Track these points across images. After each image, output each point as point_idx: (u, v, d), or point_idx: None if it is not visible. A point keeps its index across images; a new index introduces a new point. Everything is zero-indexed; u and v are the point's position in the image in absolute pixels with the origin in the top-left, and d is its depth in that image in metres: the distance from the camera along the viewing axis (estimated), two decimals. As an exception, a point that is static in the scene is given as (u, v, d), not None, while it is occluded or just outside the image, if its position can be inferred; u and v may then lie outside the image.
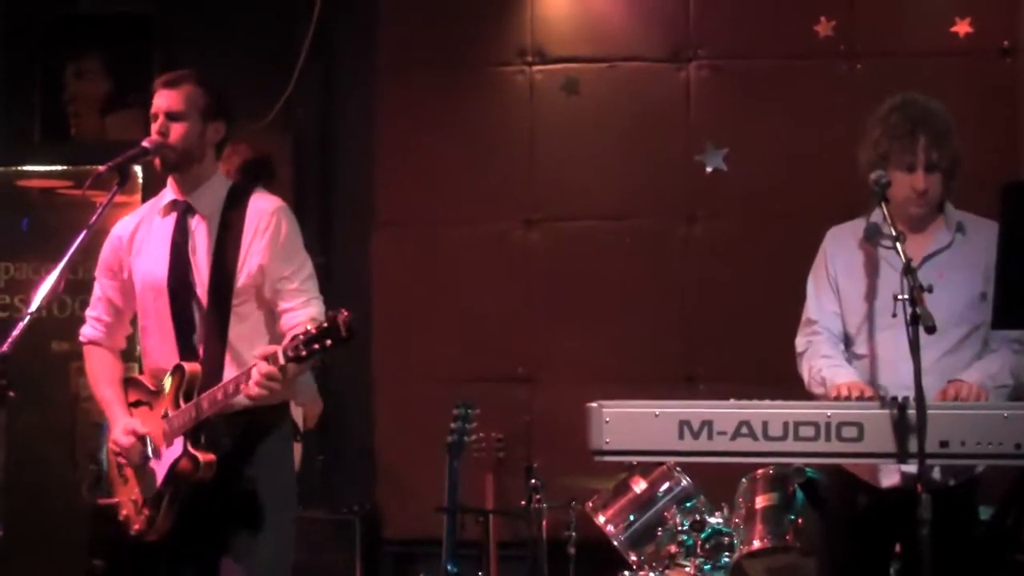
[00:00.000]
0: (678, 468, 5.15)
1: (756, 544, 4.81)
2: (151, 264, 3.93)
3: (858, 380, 3.81)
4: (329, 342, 3.40)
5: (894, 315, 3.59)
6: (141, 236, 3.99)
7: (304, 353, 3.45)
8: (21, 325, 3.57)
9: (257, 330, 3.87)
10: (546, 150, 6.37)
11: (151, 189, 4.35)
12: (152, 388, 3.92)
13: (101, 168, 3.81)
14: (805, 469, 4.43)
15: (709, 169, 6.25)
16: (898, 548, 3.88)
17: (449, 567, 5.37)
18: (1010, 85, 6.10)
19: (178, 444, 3.77)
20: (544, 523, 5.46)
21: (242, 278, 3.84)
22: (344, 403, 6.36)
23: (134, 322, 4.10)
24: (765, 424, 3.49)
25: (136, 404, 3.97)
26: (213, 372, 3.78)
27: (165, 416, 3.81)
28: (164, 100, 3.90)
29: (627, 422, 3.50)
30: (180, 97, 3.88)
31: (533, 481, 5.47)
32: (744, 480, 5.00)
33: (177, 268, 3.88)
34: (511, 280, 6.34)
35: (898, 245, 3.57)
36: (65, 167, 6.60)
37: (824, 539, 4.24)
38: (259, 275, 3.85)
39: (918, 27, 6.18)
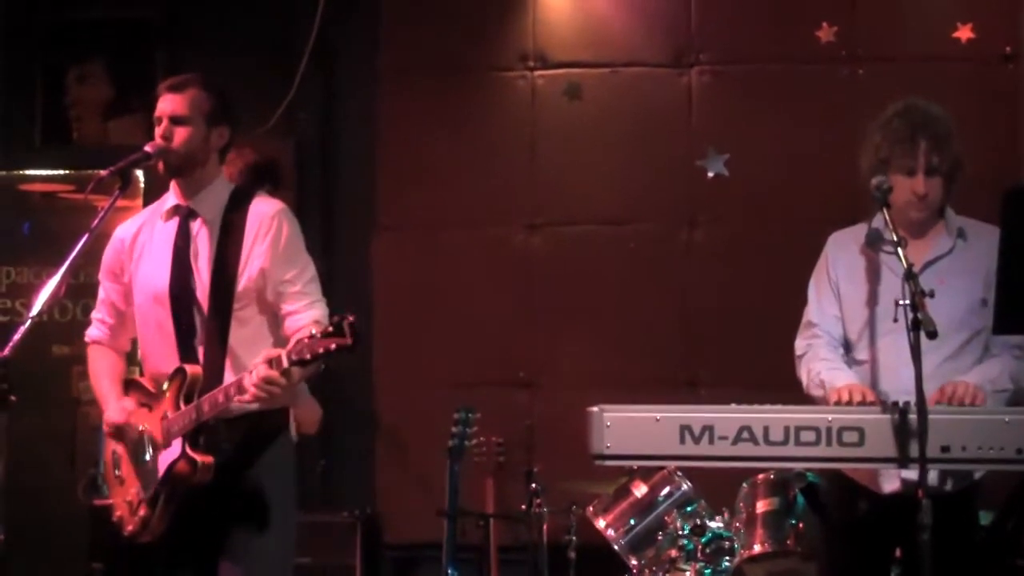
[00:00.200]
0: (679, 472, 5.15)
1: (757, 548, 4.81)
2: (153, 270, 3.93)
3: (857, 383, 3.81)
4: (334, 346, 3.40)
5: (895, 320, 3.59)
6: (143, 241, 3.99)
7: (308, 357, 3.45)
8: (22, 329, 3.58)
9: (258, 334, 3.87)
10: (548, 155, 6.37)
11: (153, 193, 4.35)
12: (152, 390, 3.91)
13: (103, 172, 3.82)
14: (806, 474, 4.44)
15: (711, 174, 6.26)
16: (898, 553, 3.88)
17: (450, 571, 5.37)
18: (1011, 91, 6.10)
19: (176, 446, 3.77)
20: (545, 527, 5.46)
21: (243, 282, 3.84)
22: (345, 407, 6.36)
23: (138, 325, 4.10)
24: (766, 429, 3.49)
25: (136, 406, 3.97)
26: (214, 376, 3.78)
27: (164, 417, 3.81)
28: (168, 104, 3.90)
29: (628, 426, 3.50)
30: (184, 101, 3.88)
31: (534, 485, 5.47)
32: (745, 485, 5.00)
33: (178, 274, 3.88)
34: (512, 284, 6.34)
35: (899, 250, 3.57)
36: (67, 171, 6.61)
37: (825, 544, 4.24)
38: (260, 279, 3.85)
39: (920, 32, 6.18)
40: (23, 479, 5.99)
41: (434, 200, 6.40)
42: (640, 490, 5.19)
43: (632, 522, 5.14)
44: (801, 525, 4.79)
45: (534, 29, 6.40)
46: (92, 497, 5.41)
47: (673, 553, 4.98)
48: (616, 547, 5.12)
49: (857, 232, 4.04)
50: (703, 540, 4.94)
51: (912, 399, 3.40)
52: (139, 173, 4.55)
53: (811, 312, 4.05)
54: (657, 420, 3.51)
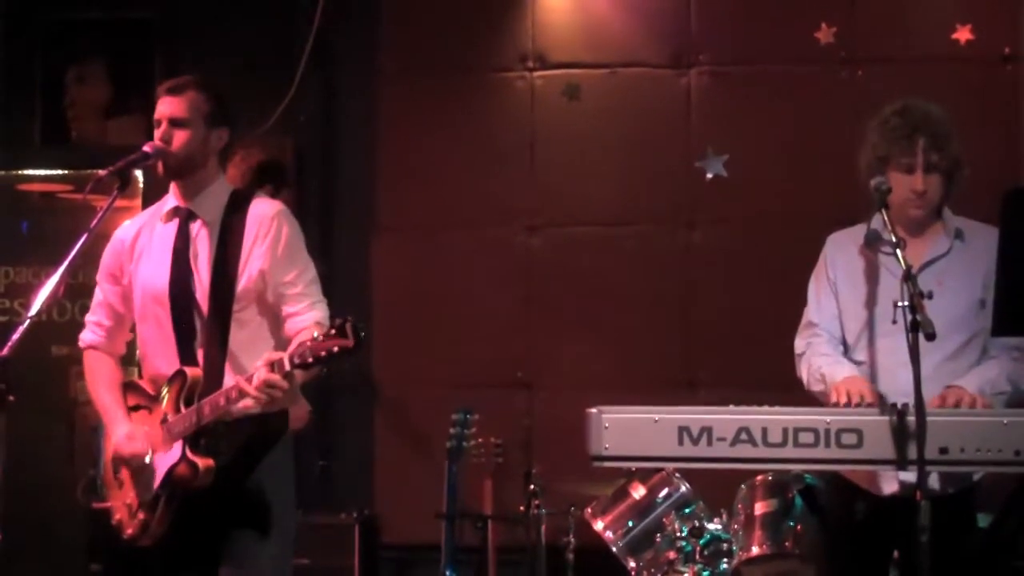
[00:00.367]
0: (677, 474, 5.14)
1: (755, 550, 4.80)
2: (152, 272, 3.92)
3: (858, 376, 3.81)
4: (336, 349, 3.40)
5: (894, 322, 3.59)
6: (143, 242, 3.99)
7: (311, 360, 3.44)
8: (21, 329, 3.57)
9: (258, 336, 3.86)
10: (547, 156, 6.37)
11: (152, 194, 4.36)
12: (151, 393, 3.91)
13: (102, 172, 3.81)
14: (804, 475, 4.44)
15: (710, 175, 6.26)
16: (896, 555, 3.87)
17: (448, 572, 5.37)
18: (1011, 92, 6.10)
19: (177, 449, 3.76)
20: (543, 529, 5.45)
21: (242, 283, 3.83)
22: (344, 408, 6.36)
23: (134, 328, 4.09)
24: (764, 430, 3.49)
25: (135, 408, 3.96)
26: (213, 379, 3.77)
27: (164, 421, 3.80)
28: (167, 107, 3.89)
29: (626, 428, 3.50)
30: (184, 104, 3.88)
31: (532, 487, 5.47)
32: (743, 486, 4.99)
33: (178, 276, 3.87)
34: (511, 285, 6.34)
35: (898, 252, 3.57)
36: (65, 171, 6.60)
37: (823, 546, 4.24)
38: (260, 280, 3.84)
39: (919, 34, 6.18)
40: (21, 480, 5.96)
41: (433, 200, 6.40)
42: (638, 492, 5.18)
43: (630, 524, 5.14)
44: (799, 527, 4.78)
45: (533, 30, 6.40)
46: (91, 499, 5.41)
47: (671, 555, 4.98)
48: (614, 549, 5.12)
49: (856, 233, 4.04)
50: (701, 542, 4.93)
51: (910, 400, 3.40)
52: (138, 173, 4.55)
53: (811, 312, 4.06)
54: (655, 421, 3.51)
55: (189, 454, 3.73)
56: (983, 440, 3.44)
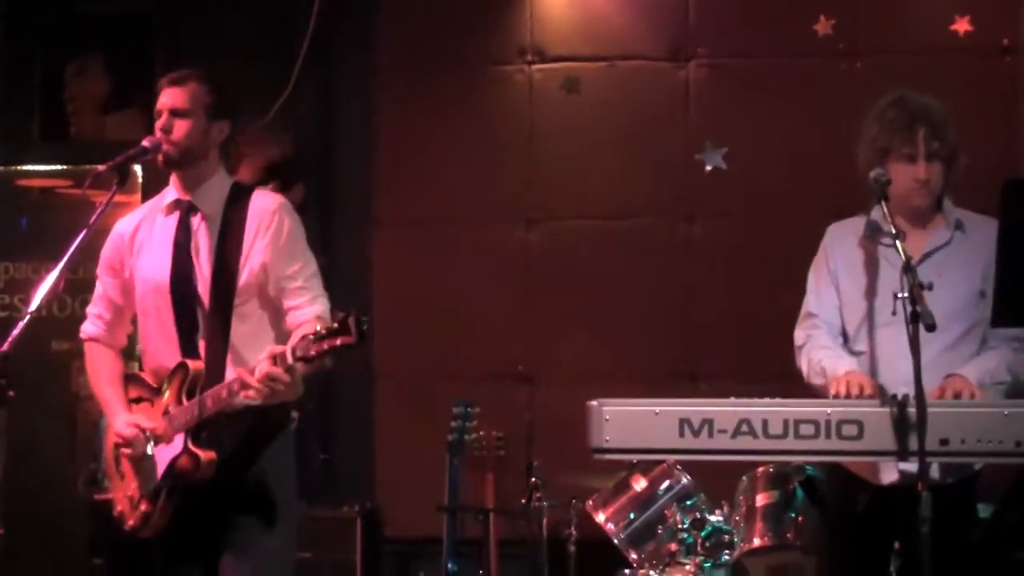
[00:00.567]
0: (678, 466, 5.15)
1: (756, 542, 4.81)
2: (153, 265, 3.92)
3: (858, 370, 3.81)
4: (339, 342, 3.39)
5: (894, 313, 3.59)
6: (143, 235, 3.98)
7: (313, 353, 3.44)
8: (21, 325, 3.57)
9: (260, 329, 3.86)
10: (545, 149, 6.37)
11: (151, 189, 4.35)
12: (153, 385, 3.91)
13: (101, 168, 3.82)
14: (805, 467, 4.44)
15: (708, 168, 6.26)
16: (897, 546, 3.88)
17: (449, 566, 5.38)
18: (1010, 83, 6.10)
19: (178, 441, 3.76)
20: (544, 521, 5.46)
21: (244, 277, 3.83)
22: (345, 402, 6.37)
23: (135, 321, 4.09)
24: (765, 422, 3.49)
25: (137, 400, 3.96)
26: (215, 372, 3.77)
27: (166, 413, 3.81)
28: (169, 98, 3.89)
29: (627, 420, 3.51)
30: (185, 95, 3.88)
31: (533, 479, 5.47)
32: (744, 478, 5.00)
33: (179, 269, 3.87)
34: (511, 279, 6.34)
35: (898, 243, 3.57)
36: (65, 166, 6.60)
37: (824, 537, 4.24)
38: (262, 274, 3.84)
39: (918, 25, 6.18)
40: (23, 474, 5.99)
41: (432, 195, 6.40)
42: (640, 484, 5.18)
43: (632, 516, 5.14)
44: (801, 518, 4.79)
45: (531, 23, 6.40)
46: (92, 492, 5.39)
47: (673, 547, 4.98)
48: (616, 541, 5.12)
49: (855, 224, 4.04)
50: (703, 534, 4.93)
51: (910, 391, 3.40)
52: (137, 168, 4.56)
53: (810, 303, 4.06)
54: (656, 414, 3.51)
55: (191, 446, 3.73)
56: (984, 431, 3.44)
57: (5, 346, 3.52)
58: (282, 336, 3.80)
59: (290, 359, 3.49)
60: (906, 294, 3.44)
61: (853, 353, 3.94)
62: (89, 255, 4.01)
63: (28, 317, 3.60)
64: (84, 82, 6.74)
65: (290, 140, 6.19)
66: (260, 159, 5.09)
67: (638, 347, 6.18)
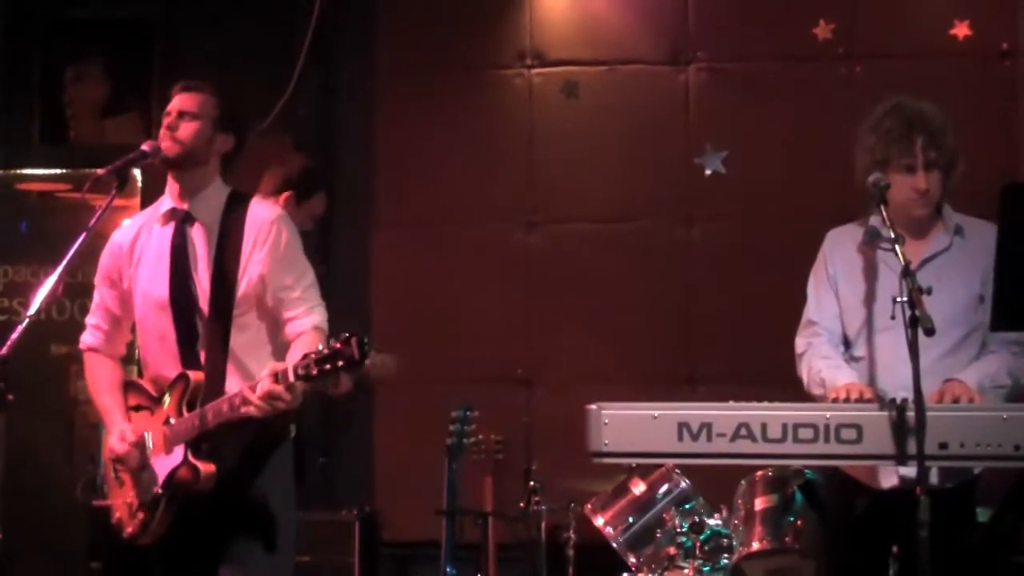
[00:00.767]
0: (677, 470, 5.14)
1: (755, 546, 4.80)
2: (152, 276, 3.92)
3: (858, 382, 3.81)
4: (341, 363, 3.39)
5: (893, 317, 3.59)
6: (141, 246, 3.98)
7: (315, 372, 3.44)
8: (20, 328, 3.57)
9: (259, 339, 3.87)
10: (545, 152, 6.37)
11: (150, 193, 4.35)
12: (153, 394, 3.91)
13: (100, 172, 3.82)
14: (804, 471, 4.44)
15: (708, 172, 6.26)
16: (895, 550, 3.88)
17: (448, 569, 5.37)
18: (1009, 87, 6.10)
19: (178, 452, 3.76)
20: (543, 525, 5.46)
21: (242, 288, 3.83)
22: (343, 405, 6.36)
23: (134, 329, 4.09)
24: (764, 426, 3.49)
25: (136, 408, 3.96)
26: (215, 382, 3.77)
27: (167, 423, 3.80)
28: (179, 101, 3.92)
29: (626, 424, 3.50)
30: (196, 100, 3.91)
31: (532, 483, 5.47)
32: (743, 482, 4.99)
33: (178, 280, 3.87)
34: (510, 282, 6.34)
35: (897, 247, 3.57)
36: (64, 170, 6.60)
37: (823, 541, 4.24)
38: (260, 285, 3.84)
39: (917, 29, 6.18)
40: (21, 478, 6.00)
41: (432, 197, 6.40)
42: (638, 488, 5.18)
43: (631, 520, 5.14)
44: (799, 522, 4.78)
45: (531, 27, 6.40)
46: (91, 497, 5.41)
47: (671, 551, 4.97)
48: (615, 545, 5.11)
49: (854, 229, 4.04)
50: (702, 537, 4.93)
51: (909, 395, 3.40)
52: (136, 172, 4.55)
53: (811, 310, 4.06)
54: (655, 417, 3.51)
55: (191, 458, 3.73)
56: (983, 435, 3.43)
57: (4, 350, 3.52)
58: (280, 346, 3.81)
59: (291, 377, 3.49)
60: (905, 298, 3.44)
61: (853, 358, 3.94)
62: (88, 259, 4.02)
63: (27, 321, 3.59)
64: (83, 86, 6.74)
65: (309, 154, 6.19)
66: (281, 170, 5.11)
67: (637, 350, 6.18)
